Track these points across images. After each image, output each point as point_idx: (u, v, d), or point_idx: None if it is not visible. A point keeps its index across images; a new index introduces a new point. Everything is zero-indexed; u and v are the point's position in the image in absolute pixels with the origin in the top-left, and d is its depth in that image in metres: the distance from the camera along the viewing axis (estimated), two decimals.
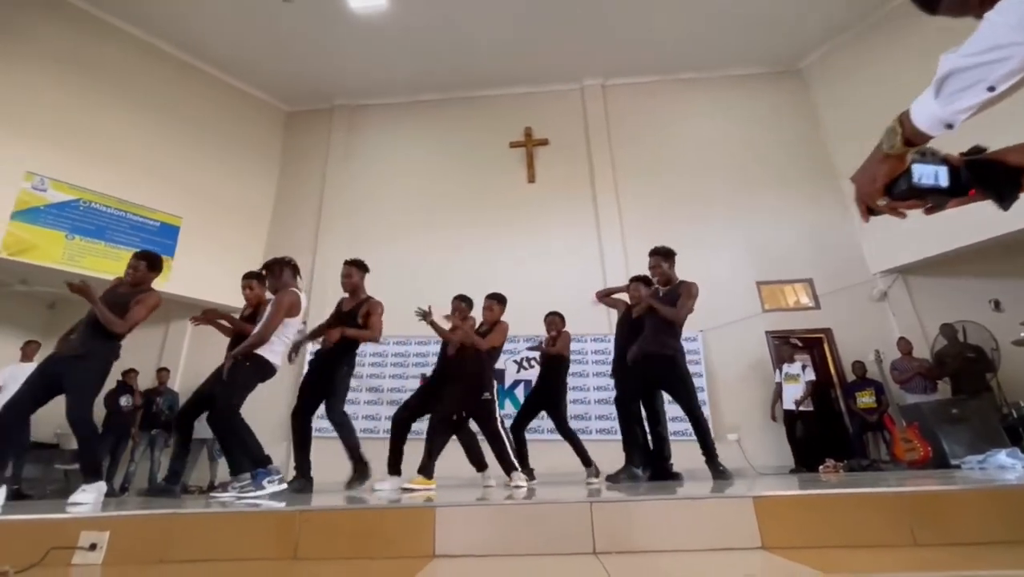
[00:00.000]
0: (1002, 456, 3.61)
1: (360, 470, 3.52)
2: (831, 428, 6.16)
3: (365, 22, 7.16)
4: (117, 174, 6.65)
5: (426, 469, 3.60)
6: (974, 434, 4.31)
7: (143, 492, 3.59)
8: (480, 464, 4.08)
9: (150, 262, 3.40)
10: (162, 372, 6.66)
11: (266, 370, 3.25)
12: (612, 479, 3.65)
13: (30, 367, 5.57)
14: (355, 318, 3.72)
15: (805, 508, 1.54)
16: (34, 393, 3.03)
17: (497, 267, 7.29)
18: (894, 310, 6.53)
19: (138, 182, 6.80)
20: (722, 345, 6.65)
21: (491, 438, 3.62)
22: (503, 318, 4.11)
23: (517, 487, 3.36)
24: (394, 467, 3.83)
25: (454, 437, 3.98)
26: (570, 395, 6.51)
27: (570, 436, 4.45)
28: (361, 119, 8.65)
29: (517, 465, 3.59)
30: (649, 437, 3.80)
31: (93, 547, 1.48)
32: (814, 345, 6.67)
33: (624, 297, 4.39)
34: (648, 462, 3.71)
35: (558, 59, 7.96)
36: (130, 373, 6.32)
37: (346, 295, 4.00)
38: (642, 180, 7.69)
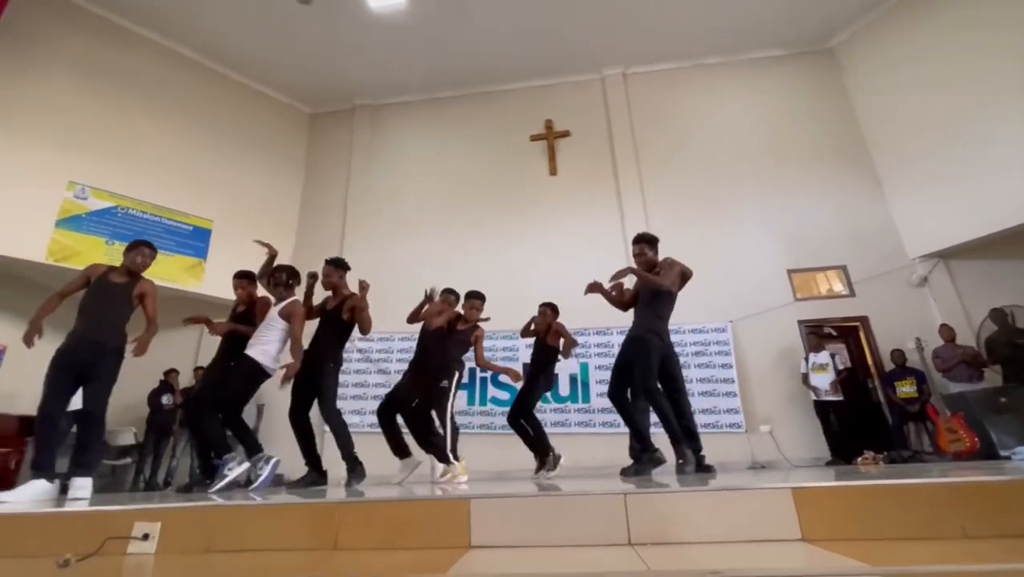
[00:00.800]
0: None
1: (354, 469, 3.52)
2: (869, 419, 5.97)
3: (383, 21, 7.22)
4: (151, 181, 6.90)
5: (454, 454, 3.71)
6: None
7: (182, 488, 3.76)
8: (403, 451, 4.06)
9: (155, 252, 3.57)
10: (199, 371, 6.89)
11: (257, 373, 3.42)
12: (640, 470, 3.47)
13: None
14: (340, 315, 3.81)
15: (846, 500, 1.50)
16: (68, 386, 3.15)
17: (521, 261, 7.29)
18: (935, 296, 6.27)
19: (171, 188, 7.04)
20: (753, 336, 6.51)
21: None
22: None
23: (453, 478, 3.57)
24: (399, 451, 3.98)
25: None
26: (596, 388, 6.53)
27: (529, 424, 4.41)
28: (382, 118, 8.74)
29: (452, 459, 3.76)
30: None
31: (146, 537, 1.55)
32: (849, 334, 6.47)
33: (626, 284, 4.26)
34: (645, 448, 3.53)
35: (577, 49, 7.87)
36: (171, 373, 6.57)
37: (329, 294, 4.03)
38: (666, 169, 7.56)
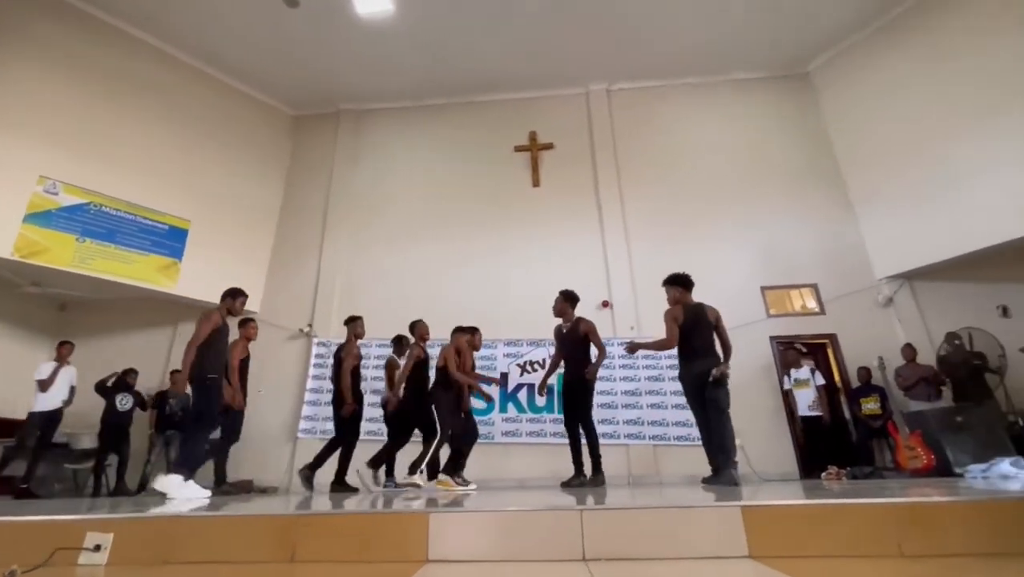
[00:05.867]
0: (1006, 465, 3.58)
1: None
2: (837, 434, 6.11)
3: (371, 27, 7.23)
4: (127, 178, 6.77)
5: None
6: (978, 442, 4.28)
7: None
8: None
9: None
10: (175, 373, 6.72)
11: None
12: (567, 484, 4.29)
13: (71, 369, 5.77)
14: None
15: (793, 518, 1.55)
16: None
17: (501, 270, 7.34)
18: (900, 316, 6.48)
19: (148, 186, 6.92)
20: None
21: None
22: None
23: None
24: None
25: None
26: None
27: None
28: (367, 123, 8.73)
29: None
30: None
31: (98, 548, 1.52)
32: (819, 351, 6.64)
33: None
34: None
35: (564, 63, 7.99)
36: (130, 373, 6.35)
37: None
38: (647, 185, 7.69)
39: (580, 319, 4.51)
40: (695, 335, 3.89)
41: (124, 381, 6.26)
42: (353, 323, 5.06)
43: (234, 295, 4.12)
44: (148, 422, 6.32)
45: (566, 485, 4.29)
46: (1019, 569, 1.33)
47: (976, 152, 6.01)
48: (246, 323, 5.05)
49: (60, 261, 6.11)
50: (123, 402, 6.18)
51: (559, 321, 4.68)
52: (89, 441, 6.26)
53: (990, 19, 6.09)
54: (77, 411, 6.49)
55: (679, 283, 4.09)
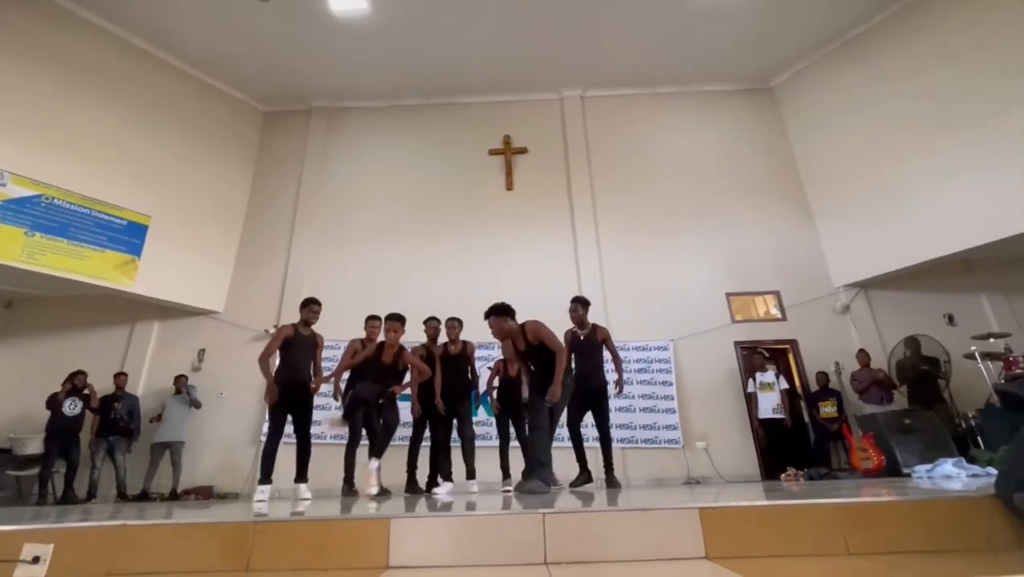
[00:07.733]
0: (948, 465, 3.77)
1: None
2: (796, 437, 6.32)
3: (345, 25, 7.13)
4: (83, 170, 6.46)
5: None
6: (924, 444, 4.50)
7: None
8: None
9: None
10: (120, 377, 6.42)
11: None
12: (573, 484, 4.43)
13: None
14: None
15: (748, 519, 1.60)
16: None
17: (473, 272, 7.31)
18: (855, 322, 6.77)
19: (106, 179, 6.62)
20: (692, 354, 6.79)
21: None
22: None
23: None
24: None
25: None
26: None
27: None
28: (339, 121, 8.59)
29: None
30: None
31: (36, 560, 1.45)
32: (780, 356, 6.87)
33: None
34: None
35: (539, 69, 8.05)
36: (79, 375, 6.04)
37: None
38: (618, 190, 7.82)
39: (596, 326, 4.59)
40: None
41: (72, 385, 5.96)
42: (427, 324, 5.22)
43: (303, 305, 4.41)
44: (90, 428, 6.04)
45: (573, 485, 4.46)
46: (954, 566, 1.40)
47: (924, 168, 6.34)
48: (368, 321, 4.81)
49: (6, 256, 5.78)
50: (71, 406, 5.89)
51: (572, 327, 4.59)
52: (35, 446, 5.93)
53: (944, 43, 6.44)
54: (23, 414, 6.17)
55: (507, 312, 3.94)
